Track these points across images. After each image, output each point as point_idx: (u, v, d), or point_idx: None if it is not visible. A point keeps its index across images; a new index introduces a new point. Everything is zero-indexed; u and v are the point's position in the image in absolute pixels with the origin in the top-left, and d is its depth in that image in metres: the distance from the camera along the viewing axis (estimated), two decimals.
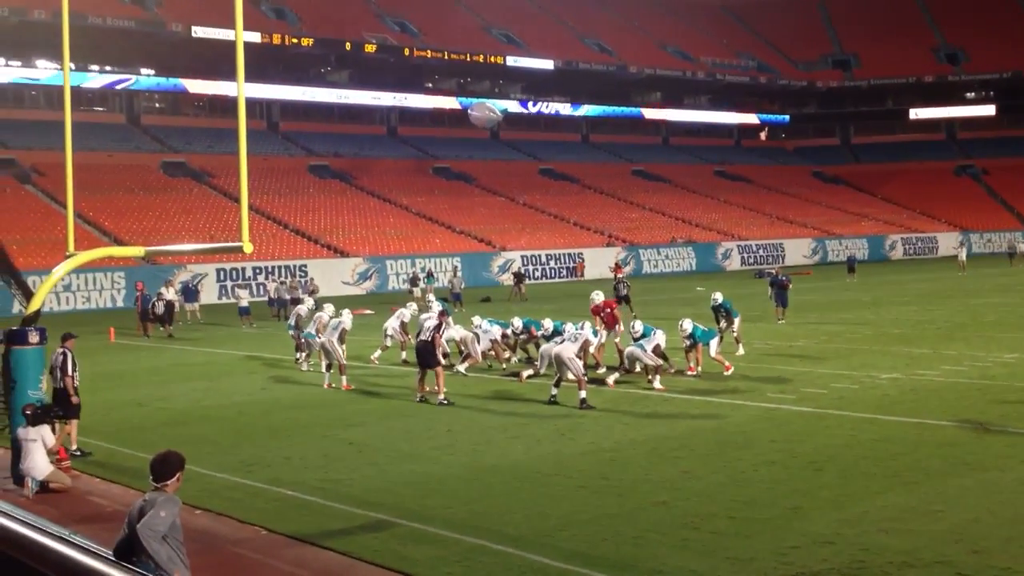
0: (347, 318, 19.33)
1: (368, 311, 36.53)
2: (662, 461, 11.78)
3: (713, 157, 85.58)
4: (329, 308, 20.64)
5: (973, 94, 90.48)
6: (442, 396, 16.27)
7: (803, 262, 63.81)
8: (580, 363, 16.32)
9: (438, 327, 16.89)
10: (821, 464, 11.31)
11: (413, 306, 22.53)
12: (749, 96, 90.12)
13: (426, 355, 16.50)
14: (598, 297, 21.20)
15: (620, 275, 37.10)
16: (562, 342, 16.88)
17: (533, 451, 12.64)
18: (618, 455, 12.18)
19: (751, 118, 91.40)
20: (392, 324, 21.86)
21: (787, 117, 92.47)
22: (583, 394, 15.49)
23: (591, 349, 19.39)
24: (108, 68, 62.16)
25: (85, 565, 2.62)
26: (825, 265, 62.79)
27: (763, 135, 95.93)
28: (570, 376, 18.18)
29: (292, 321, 22.60)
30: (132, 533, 5.66)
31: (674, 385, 17.43)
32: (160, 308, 31.31)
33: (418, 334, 17.19)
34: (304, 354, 21.34)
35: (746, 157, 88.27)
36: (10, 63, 59.21)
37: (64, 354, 13.50)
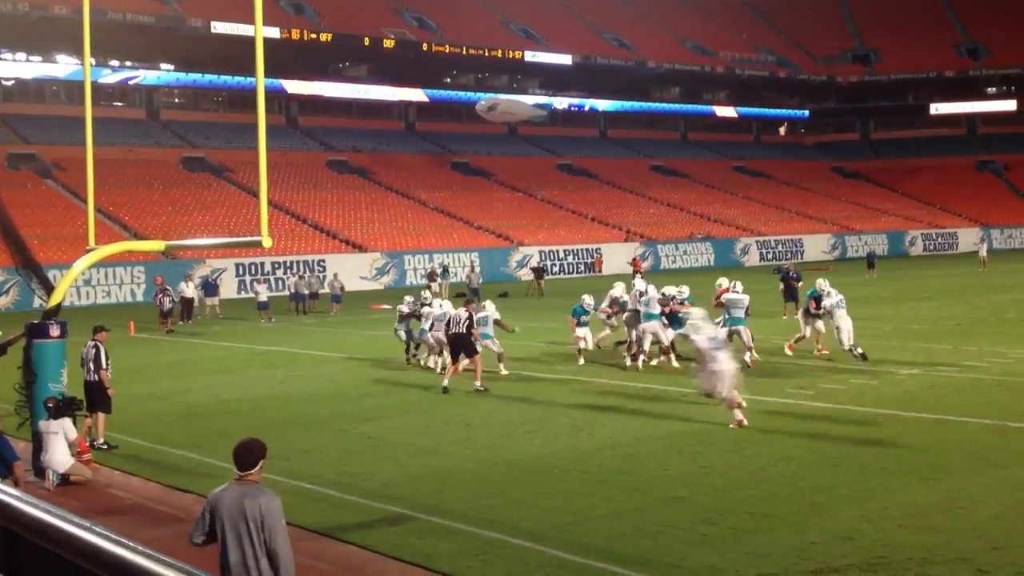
0: (491, 308, 19.57)
1: (386, 306, 36.57)
2: (680, 456, 11.77)
3: (732, 152, 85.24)
4: (447, 303, 19.82)
5: (994, 89, 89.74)
6: (479, 383, 16.89)
7: (822, 257, 63.52)
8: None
9: (469, 319, 17.46)
10: (840, 460, 11.26)
11: (409, 299, 21.51)
12: (768, 91, 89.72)
13: (461, 345, 17.26)
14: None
15: (639, 270, 37.04)
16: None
17: (551, 446, 12.64)
18: (636, 450, 12.17)
19: (770, 113, 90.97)
20: (397, 326, 21.21)
21: (807, 112, 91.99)
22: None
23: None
24: (128, 63, 62.46)
25: (129, 561, 2.64)
26: (844, 261, 62.49)
27: (782, 130, 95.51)
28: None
29: (402, 328, 21.15)
30: (217, 526, 5.76)
31: (692, 382, 17.37)
32: (167, 304, 30.97)
33: (447, 327, 17.77)
34: (425, 353, 20.51)
35: (765, 152, 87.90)
36: (31, 58, 59.59)
37: (96, 347, 13.64)
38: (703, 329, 13.98)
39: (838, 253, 66.28)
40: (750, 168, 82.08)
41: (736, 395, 13.29)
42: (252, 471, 5.89)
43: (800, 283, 28.33)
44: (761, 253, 63.44)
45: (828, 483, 10.30)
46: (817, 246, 65.85)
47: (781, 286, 28.51)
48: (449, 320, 17.88)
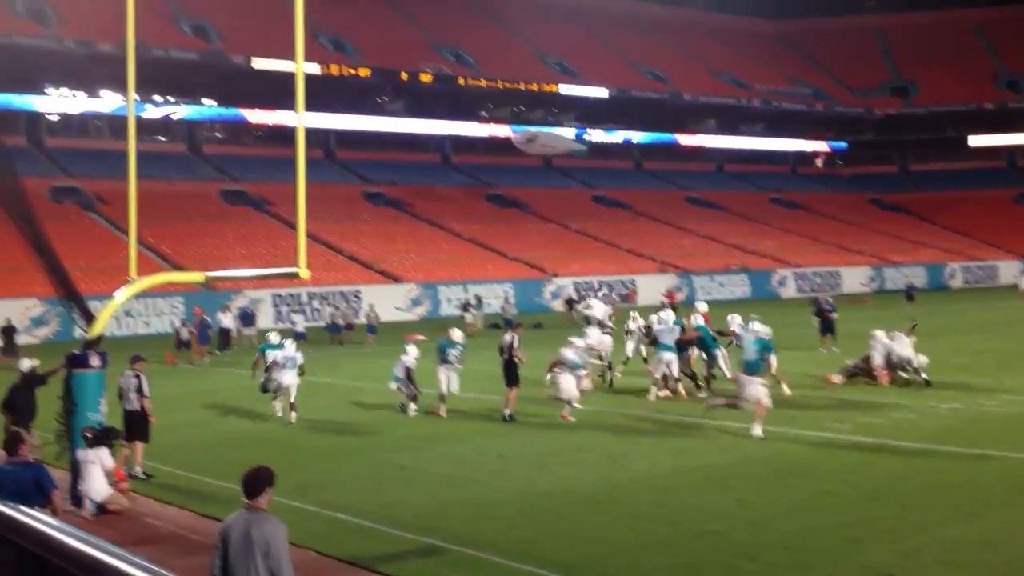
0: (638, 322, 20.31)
1: (421, 337, 36.71)
2: (716, 489, 11.67)
3: (769, 184, 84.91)
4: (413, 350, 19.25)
5: None
6: (508, 411, 17.30)
7: (860, 290, 62.91)
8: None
9: (510, 345, 17.80)
10: (879, 494, 11.12)
11: (415, 349, 19.44)
12: (805, 123, 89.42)
13: (507, 372, 17.66)
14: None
15: (674, 302, 36.85)
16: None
17: (585, 477, 12.59)
18: (671, 482, 12.09)
19: (807, 145, 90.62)
20: (397, 372, 19.02)
21: (844, 144, 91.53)
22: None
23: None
24: (170, 98, 63.49)
25: None
26: (883, 293, 61.85)
27: (819, 162, 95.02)
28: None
29: (400, 373, 18.92)
30: (231, 553, 5.83)
31: (728, 413, 17.25)
32: (184, 335, 30.96)
33: (500, 351, 18.08)
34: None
35: (802, 184, 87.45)
36: (76, 94, 60.72)
37: (137, 376, 13.84)
38: (287, 349, 18.49)
39: (876, 285, 65.60)
40: (787, 200, 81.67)
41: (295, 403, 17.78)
42: (259, 499, 5.96)
43: (835, 315, 28.10)
44: (798, 285, 62.94)
45: (867, 518, 10.16)
46: (855, 278, 65.22)
47: (816, 319, 28.30)
48: (500, 347, 18.14)
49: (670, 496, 11.38)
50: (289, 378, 17.89)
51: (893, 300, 51.57)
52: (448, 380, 18.22)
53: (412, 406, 18.47)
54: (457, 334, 18.94)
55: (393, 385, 19.05)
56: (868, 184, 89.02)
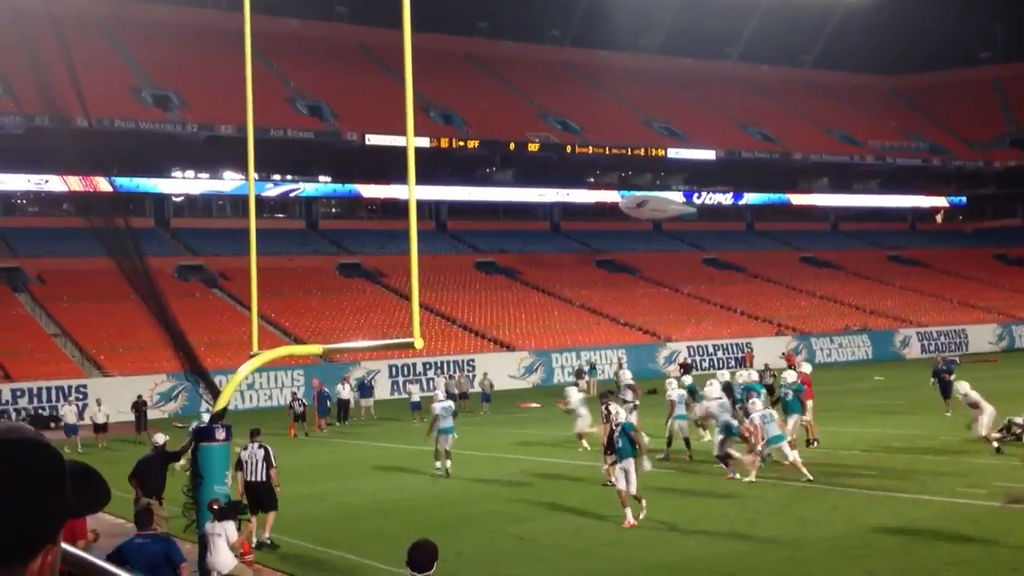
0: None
1: (535, 405, 36.83)
2: (845, 560, 11.26)
3: (886, 242, 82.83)
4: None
5: None
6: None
7: (988, 348, 60.47)
8: None
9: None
10: (1020, 564, 10.56)
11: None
12: (922, 179, 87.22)
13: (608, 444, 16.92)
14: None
15: (793, 365, 36.03)
16: None
17: (707, 549, 12.30)
18: (798, 553, 11.71)
19: (924, 201, 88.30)
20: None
21: (964, 199, 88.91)
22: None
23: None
24: (288, 177, 65.77)
25: None
26: (1012, 352, 59.34)
27: (939, 218, 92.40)
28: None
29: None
30: None
31: (855, 481, 16.69)
32: (298, 408, 31.49)
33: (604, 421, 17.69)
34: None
35: (922, 241, 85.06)
36: (199, 176, 63.50)
37: (264, 448, 14.21)
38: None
39: (1005, 344, 62.94)
40: (906, 257, 79.46)
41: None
42: (430, 572, 5.99)
43: (953, 376, 27.06)
44: (923, 345, 60.86)
45: None
46: (982, 336, 62.74)
47: (932, 380, 27.36)
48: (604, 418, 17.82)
49: (798, 568, 11.03)
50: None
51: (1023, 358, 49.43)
52: (626, 473, 14.06)
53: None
54: (628, 394, 17.26)
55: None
56: (991, 239, 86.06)
